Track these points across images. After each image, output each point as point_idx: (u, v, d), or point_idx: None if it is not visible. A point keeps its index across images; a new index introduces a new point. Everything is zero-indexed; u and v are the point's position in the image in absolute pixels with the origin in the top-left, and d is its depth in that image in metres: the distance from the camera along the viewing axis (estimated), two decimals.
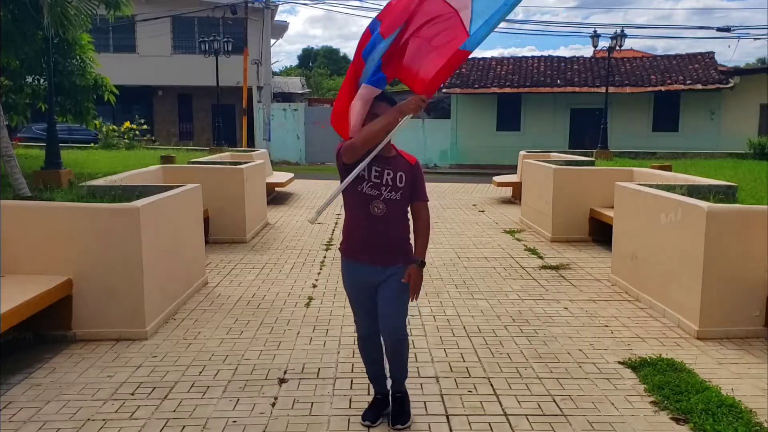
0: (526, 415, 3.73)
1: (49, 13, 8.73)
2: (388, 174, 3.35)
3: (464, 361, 4.56)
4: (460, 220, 11.03)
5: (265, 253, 8.29)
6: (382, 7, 3.42)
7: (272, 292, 6.39)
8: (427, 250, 3.52)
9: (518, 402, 3.91)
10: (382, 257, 3.42)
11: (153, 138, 25.13)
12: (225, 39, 24.89)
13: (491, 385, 4.15)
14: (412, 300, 3.47)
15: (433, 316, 5.61)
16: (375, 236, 3.39)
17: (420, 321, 5.47)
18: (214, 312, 5.72)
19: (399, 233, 3.42)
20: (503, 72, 27.10)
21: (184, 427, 3.57)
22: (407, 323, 3.68)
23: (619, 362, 4.54)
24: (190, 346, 4.86)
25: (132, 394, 3.98)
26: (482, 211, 12.25)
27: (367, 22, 3.83)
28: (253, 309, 5.83)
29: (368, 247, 3.41)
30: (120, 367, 4.42)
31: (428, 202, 3.54)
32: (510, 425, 3.61)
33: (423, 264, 3.47)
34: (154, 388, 4.08)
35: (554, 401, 3.92)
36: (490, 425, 3.61)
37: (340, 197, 3.46)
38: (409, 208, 3.47)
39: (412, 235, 3.49)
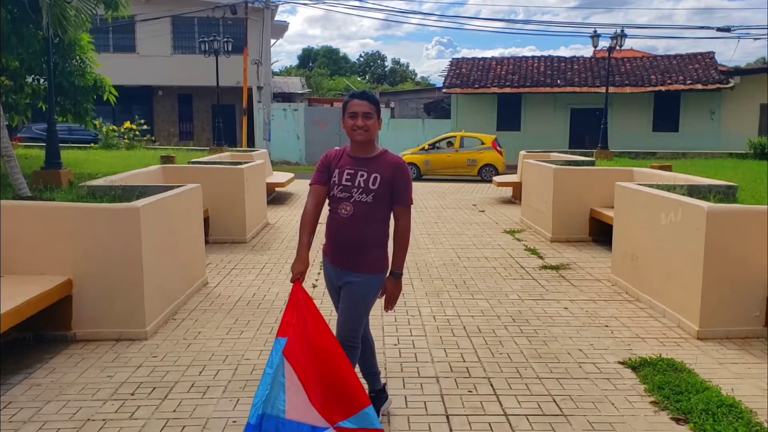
0: (526, 415, 3.73)
1: (48, 13, 8.73)
2: (362, 175, 3.26)
3: (464, 361, 4.56)
4: (460, 220, 11.02)
5: (265, 253, 8.28)
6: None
7: (272, 292, 6.39)
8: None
9: (518, 402, 3.91)
10: (341, 260, 3.34)
11: (153, 138, 25.12)
12: (225, 39, 24.88)
13: (491, 385, 4.15)
14: (386, 311, 3.41)
15: (433, 316, 5.61)
16: (339, 237, 3.32)
17: (420, 321, 5.47)
18: (214, 312, 5.72)
19: (365, 237, 3.27)
20: (503, 72, 27.09)
21: (184, 427, 3.57)
22: (360, 334, 3.40)
23: (619, 362, 4.54)
24: (190, 346, 4.86)
25: (132, 394, 3.98)
26: (482, 211, 12.25)
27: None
28: (253, 309, 5.82)
29: (333, 247, 3.37)
30: (120, 367, 4.42)
31: (410, 207, 3.33)
32: (510, 425, 3.61)
33: (398, 275, 3.34)
34: (154, 388, 4.08)
35: (554, 401, 3.92)
36: (490, 425, 3.61)
37: None
38: (391, 214, 3.33)
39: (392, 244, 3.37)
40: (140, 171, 8.61)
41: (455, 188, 16.39)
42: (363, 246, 3.28)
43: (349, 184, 3.26)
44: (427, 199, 13.86)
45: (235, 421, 3.62)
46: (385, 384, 3.76)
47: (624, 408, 3.82)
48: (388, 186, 3.25)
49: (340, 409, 2.81)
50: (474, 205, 13.12)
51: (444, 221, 10.90)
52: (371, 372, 3.69)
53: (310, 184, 3.41)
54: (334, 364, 2.88)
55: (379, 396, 3.67)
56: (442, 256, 8.00)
